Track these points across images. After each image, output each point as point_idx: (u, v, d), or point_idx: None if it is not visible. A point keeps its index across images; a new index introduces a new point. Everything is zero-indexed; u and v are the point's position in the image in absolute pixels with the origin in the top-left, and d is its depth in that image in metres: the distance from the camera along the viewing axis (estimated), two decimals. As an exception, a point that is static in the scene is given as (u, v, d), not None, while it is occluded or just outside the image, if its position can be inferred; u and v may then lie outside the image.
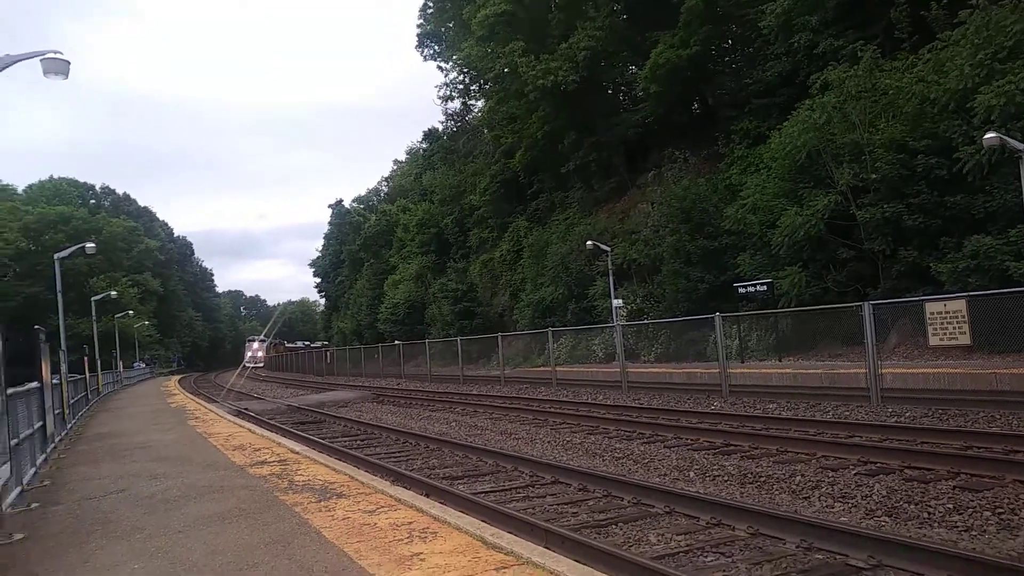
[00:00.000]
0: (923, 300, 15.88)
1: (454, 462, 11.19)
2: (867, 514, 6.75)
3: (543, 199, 43.34)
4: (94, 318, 46.23)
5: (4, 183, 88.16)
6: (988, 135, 15.91)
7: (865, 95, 21.18)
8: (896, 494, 7.13)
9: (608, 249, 29.20)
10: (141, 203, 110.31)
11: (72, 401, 17.41)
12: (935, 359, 15.99)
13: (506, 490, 8.77)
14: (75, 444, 13.67)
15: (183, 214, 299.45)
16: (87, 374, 23.83)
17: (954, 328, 14.46)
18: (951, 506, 6.63)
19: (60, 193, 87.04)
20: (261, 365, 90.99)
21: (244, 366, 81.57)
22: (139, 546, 5.54)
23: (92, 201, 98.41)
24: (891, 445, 9.30)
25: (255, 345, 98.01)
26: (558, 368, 25.59)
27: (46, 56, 14.08)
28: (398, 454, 12.40)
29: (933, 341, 15.12)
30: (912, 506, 6.77)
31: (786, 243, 21.52)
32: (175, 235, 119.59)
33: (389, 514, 5.95)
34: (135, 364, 66.70)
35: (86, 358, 24.70)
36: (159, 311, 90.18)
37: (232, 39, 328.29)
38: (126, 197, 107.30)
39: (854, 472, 8.20)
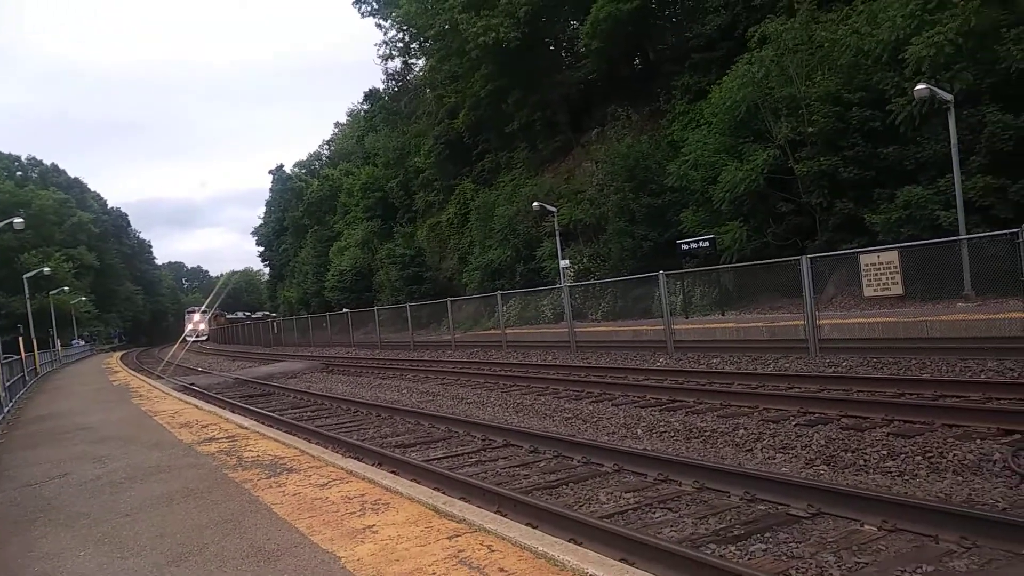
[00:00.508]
0: (857, 252, 16.33)
1: (406, 430, 11.22)
2: (807, 464, 7.02)
3: (488, 159, 43.00)
4: (27, 295, 44.61)
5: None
6: (919, 86, 16.28)
7: (802, 48, 21.39)
8: (834, 443, 7.41)
9: (554, 210, 29.24)
10: (71, 174, 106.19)
11: (8, 383, 16.85)
12: (870, 309, 16.53)
13: (458, 455, 8.85)
14: (13, 428, 13.25)
15: (117, 185, 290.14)
16: (23, 354, 23.04)
17: (887, 279, 14.94)
18: (885, 452, 6.92)
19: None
20: (205, 339, 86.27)
21: (184, 340, 75.89)
22: (84, 532, 5.43)
23: (19, 173, 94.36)
24: (829, 395, 9.64)
25: (196, 317, 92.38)
26: (508, 330, 25.73)
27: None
28: (349, 424, 12.37)
29: (868, 292, 15.61)
30: (849, 454, 7.05)
31: (727, 198, 21.82)
32: (109, 207, 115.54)
33: (341, 487, 5.95)
34: (73, 342, 64.78)
35: (20, 337, 23.88)
36: (96, 286, 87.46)
37: (166, 4, 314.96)
38: (55, 168, 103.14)
39: (794, 423, 8.49)
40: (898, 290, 15.04)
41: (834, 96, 19.90)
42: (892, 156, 18.56)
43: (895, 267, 14.87)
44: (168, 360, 40.70)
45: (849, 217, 19.43)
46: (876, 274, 15.17)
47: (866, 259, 15.56)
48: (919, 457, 6.67)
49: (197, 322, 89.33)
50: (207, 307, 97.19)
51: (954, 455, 6.55)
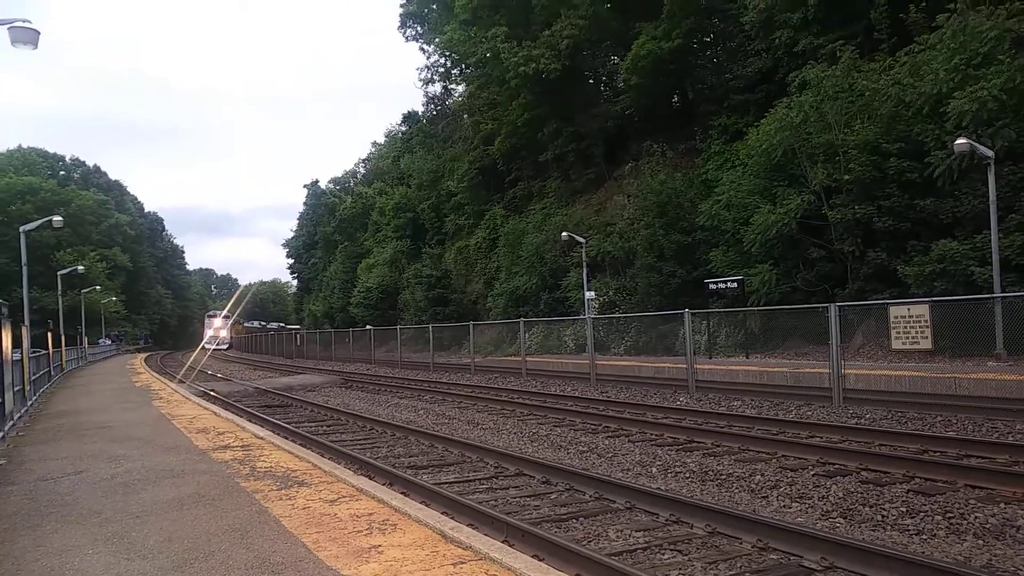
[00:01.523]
0: (887, 303, 16.12)
1: (420, 451, 11.19)
2: (823, 515, 6.86)
3: (520, 187, 43.28)
4: (60, 292, 45.49)
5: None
6: (959, 140, 16.16)
7: (842, 95, 21.37)
8: (852, 496, 7.26)
9: (583, 241, 29.27)
10: (112, 176, 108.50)
11: (34, 377, 17.12)
12: (898, 362, 16.26)
13: (469, 481, 8.79)
14: (35, 422, 13.44)
15: (156, 189, 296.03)
16: (50, 350, 23.40)
17: (916, 332, 14.70)
18: (904, 509, 6.76)
19: (28, 163, 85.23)
20: (226, 348, 78.98)
21: (203, 348, 68.17)
22: (94, 531, 5.47)
23: (61, 172, 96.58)
24: (850, 447, 9.45)
25: (217, 322, 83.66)
26: (529, 358, 25.64)
27: (14, 25, 13.74)
28: (363, 441, 12.37)
29: (896, 344, 15.36)
30: (867, 508, 6.89)
31: (758, 241, 21.71)
32: (146, 210, 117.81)
33: (350, 504, 5.94)
34: (100, 341, 65.71)
35: (50, 333, 24.27)
36: (127, 287, 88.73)
37: (213, 15, 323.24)
38: (96, 169, 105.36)
39: (812, 473, 8.33)
40: (927, 344, 14.79)
41: (872, 145, 19.81)
42: (928, 209, 18.38)
43: (925, 321, 14.63)
44: (190, 365, 41.00)
45: (881, 267, 19.22)
46: (905, 327, 14.94)
47: (896, 311, 15.34)
48: (939, 517, 6.50)
49: (218, 328, 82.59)
50: (229, 312, 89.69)
51: (976, 517, 6.38)
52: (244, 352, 74.29)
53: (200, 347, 68.38)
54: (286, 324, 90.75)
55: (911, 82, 19.57)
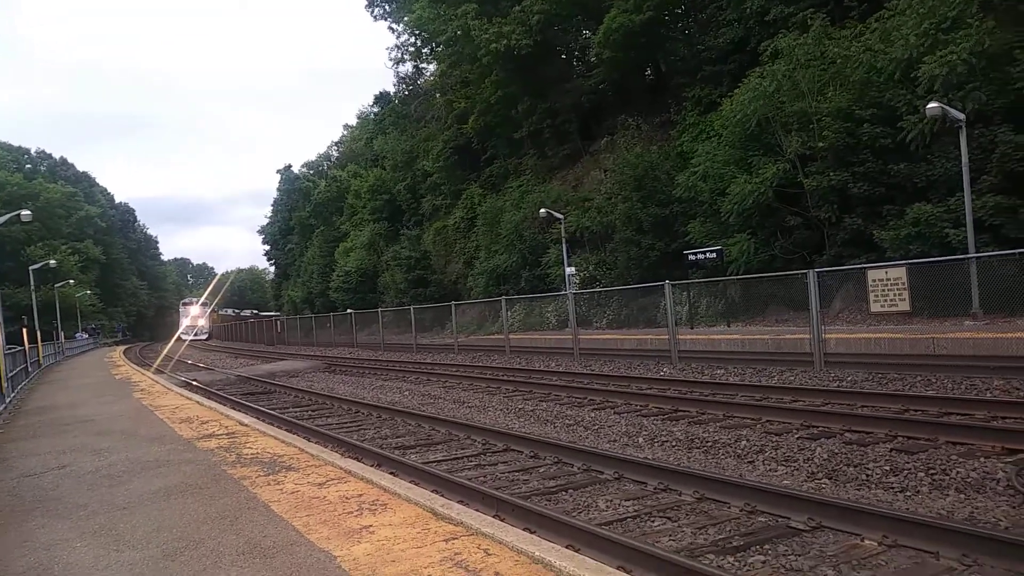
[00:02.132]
0: (865, 267, 16.28)
1: (407, 431, 11.19)
2: (809, 477, 6.96)
3: (497, 165, 43.05)
4: (32, 287, 44.78)
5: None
6: (930, 105, 16.25)
7: (814, 63, 21.38)
8: (837, 457, 7.36)
9: (561, 217, 29.23)
10: (79, 168, 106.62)
11: (11, 374, 16.89)
12: (877, 325, 16.46)
13: (458, 459, 8.81)
14: (14, 419, 13.27)
15: (129, 182, 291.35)
16: (26, 345, 23.08)
17: (894, 295, 14.88)
18: (888, 468, 6.87)
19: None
20: (205, 337, 75.27)
21: (180, 338, 64.04)
22: (82, 524, 5.42)
23: (28, 166, 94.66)
24: (833, 409, 9.57)
25: (194, 310, 79.01)
26: (512, 336, 25.69)
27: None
28: (350, 424, 12.34)
29: (875, 307, 15.55)
30: (852, 468, 6.99)
31: (735, 210, 21.80)
32: (116, 201, 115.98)
33: (339, 486, 5.93)
34: (77, 334, 64.89)
35: (25, 329, 23.93)
36: (101, 280, 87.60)
37: (176, 1, 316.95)
38: (63, 162, 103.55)
39: (797, 436, 8.43)
40: (905, 306, 14.98)
41: (845, 112, 19.88)
42: (902, 173, 18.52)
43: (903, 283, 14.81)
44: (166, 355, 40.56)
45: (857, 233, 19.39)
46: (883, 290, 15.11)
47: (874, 275, 15.50)
48: (922, 474, 6.62)
49: (196, 317, 78.61)
50: (208, 299, 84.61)
51: (957, 472, 6.50)
52: (224, 341, 73.69)
53: (176, 337, 65.14)
54: (259, 311, 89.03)
55: (882, 48, 19.62)
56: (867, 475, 6.77)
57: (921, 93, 17.71)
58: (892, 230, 17.92)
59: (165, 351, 44.79)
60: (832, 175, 19.72)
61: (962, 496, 6.05)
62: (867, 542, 5.08)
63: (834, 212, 20.09)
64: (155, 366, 30.92)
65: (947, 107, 16.19)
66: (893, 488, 6.39)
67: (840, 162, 19.79)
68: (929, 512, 5.69)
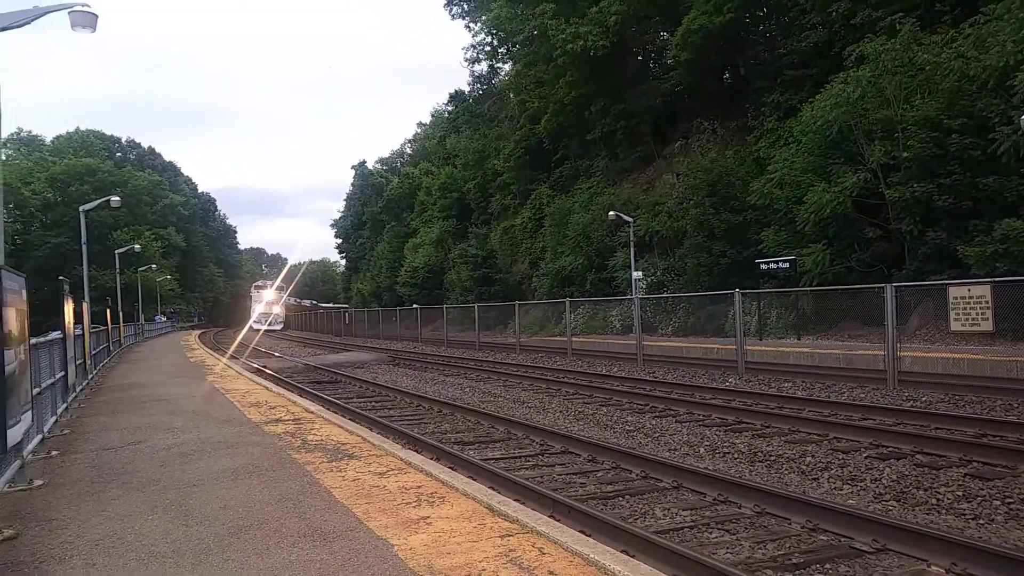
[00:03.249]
0: (946, 284, 15.61)
1: (466, 427, 11.29)
2: (875, 498, 6.73)
3: (567, 166, 42.96)
4: (117, 270, 46.88)
5: (32, 134, 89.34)
6: (1026, 116, 15.51)
7: (901, 70, 20.62)
8: (906, 479, 7.10)
9: (631, 220, 28.98)
10: (166, 157, 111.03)
11: (94, 352, 17.70)
12: (956, 344, 15.78)
13: (516, 458, 8.84)
14: (96, 395, 13.94)
15: (208, 171, 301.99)
16: (109, 326, 24.17)
17: (977, 314, 14.21)
18: (960, 493, 6.59)
19: (87, 145, 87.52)
20: (280, 327, 69.96)
21: (251, 328, 58.80)
22: (153, 498, 5.66)
23: (118, 154, 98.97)
24: (904, 429, 9.24)
25: (268, 294, 72.07)
26: (574, 338, 25.61)
27: (74, 9, 14.05)
28: (411, 417, 12.53)
29: (955, 326, 14.87)
30: (921, 492, 6.74)
31: (812, 220, 21.18)
32: (199, 191, 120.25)
33: (399, 477, 6.03)
34: (156, 318, 67.58)
35: (108, 310, 25.06)
36: (181, 266, 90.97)
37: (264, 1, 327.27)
38: (151, 151, 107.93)
39: (865, 455, 8.17)
40: (988, 326, 14.29)
41: (933, 121, 19.12)
42: (991, 187, 17.72)
43: (986, 302, 14.12)
44: (241, 342, 41.78)
45: (940, 247, 18.62)
46: (965, 308, 14.44)
47: (956, 292, 14.83)
48: (997, 502, 6.32)
49: (271, 303, 72.75)
50: (283, 283, 78.01)
51: (1037, 503, 6.19)
52: (293, 331, 75.61)
53: (248, 327, 61.52)
54: (318, 303, 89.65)
55: (975, 55, 18.78)
56: (937, 499, 6.51)
57: (1016, 103, 16.90)
58: (978, 246, 17.15)
59: (239, 339, 46.13)
60: (916, 186, 18.99)
61: (1041, 528, 5.76)
62: (934, 568, 4.89)
63: (916, 225, 19.34)
64: (229, 352, 31.94)
65: (1044, 119, 15.41)
66: (965, 515, 6.12)
67: (925, 173, 19.04)
68: (1004, 543, 5.43)
